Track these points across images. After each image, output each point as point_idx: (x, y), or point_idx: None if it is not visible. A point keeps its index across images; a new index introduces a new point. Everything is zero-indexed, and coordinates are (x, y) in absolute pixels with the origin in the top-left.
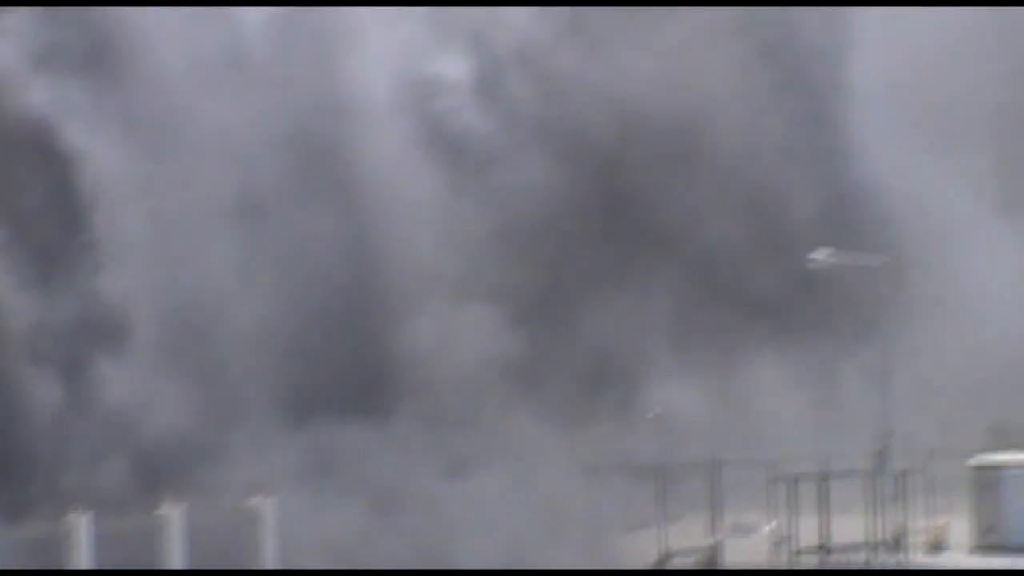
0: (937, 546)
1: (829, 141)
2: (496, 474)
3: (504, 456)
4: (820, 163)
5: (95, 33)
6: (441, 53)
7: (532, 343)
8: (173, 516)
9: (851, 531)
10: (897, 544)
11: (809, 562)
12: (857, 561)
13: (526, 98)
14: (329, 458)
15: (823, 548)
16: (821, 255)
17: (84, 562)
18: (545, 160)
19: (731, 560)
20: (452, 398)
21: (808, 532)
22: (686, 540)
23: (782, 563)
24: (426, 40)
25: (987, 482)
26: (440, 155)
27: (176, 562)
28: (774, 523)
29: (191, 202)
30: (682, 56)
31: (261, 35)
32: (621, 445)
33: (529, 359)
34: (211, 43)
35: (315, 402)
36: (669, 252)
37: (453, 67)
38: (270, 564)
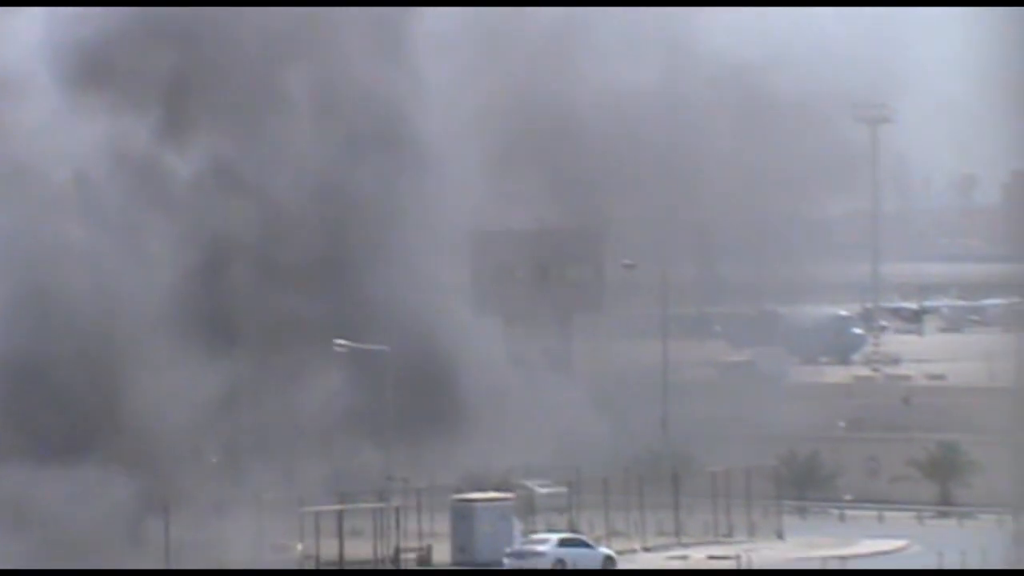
0: (424, 562)
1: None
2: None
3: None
4: None
5: None
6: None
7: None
8: None
9: (366, 551)
10: (396, 559)
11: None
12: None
13: None
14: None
15: (343, 563)
16: (340, 343)
17: None
18: None
19: None
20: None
21: (331, 553)
22: None
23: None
24: None
25: (463, 513)
26: None
27: None
28: (300, 546)
29: None
30: None
31: None
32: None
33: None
34: None
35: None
36: None
37: None
38: None
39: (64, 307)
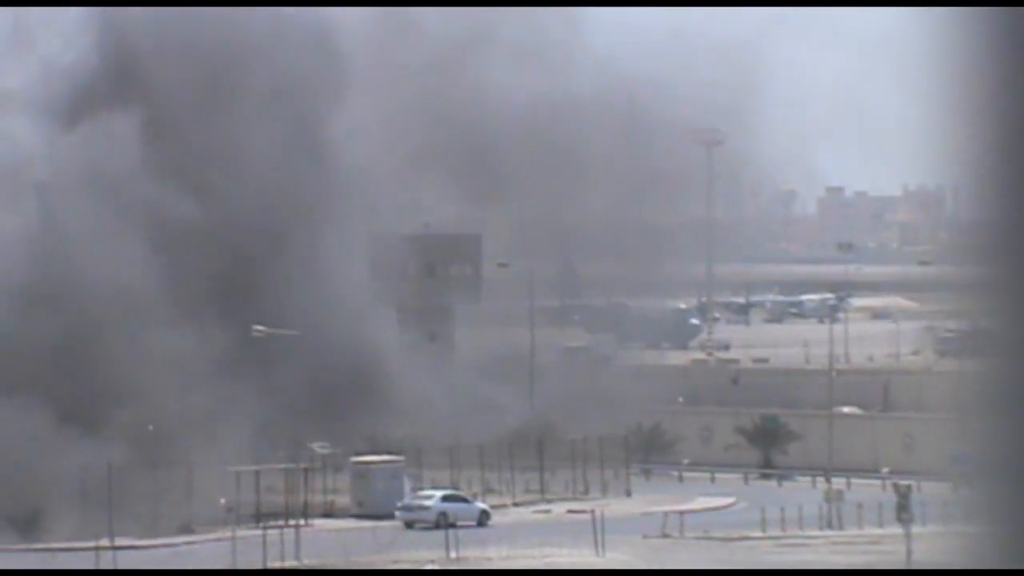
0: (329, 513)
1: None
2: None
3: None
4: None
5: None
6: None
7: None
8: None
9: (279, 504)
10: (305, 511)
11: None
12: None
13: None
14: None
15: (260, 515)
16: (258, 329)
17: None
18: None
19: None
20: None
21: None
22: None
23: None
24: None
25: (362, 473)
26: None
27: None
28: (224, 500)
29: None
30: None
31: None
32: None
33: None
34: None
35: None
36: None
37: None
38: None
39: (64, 293)
